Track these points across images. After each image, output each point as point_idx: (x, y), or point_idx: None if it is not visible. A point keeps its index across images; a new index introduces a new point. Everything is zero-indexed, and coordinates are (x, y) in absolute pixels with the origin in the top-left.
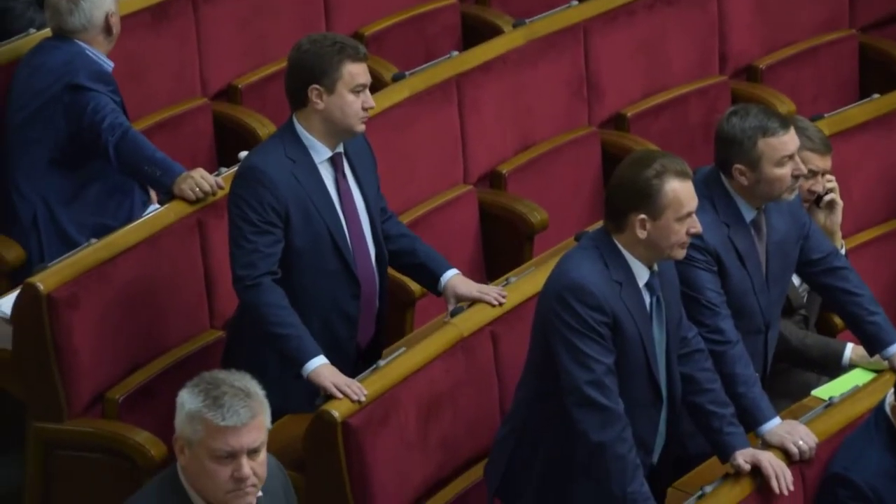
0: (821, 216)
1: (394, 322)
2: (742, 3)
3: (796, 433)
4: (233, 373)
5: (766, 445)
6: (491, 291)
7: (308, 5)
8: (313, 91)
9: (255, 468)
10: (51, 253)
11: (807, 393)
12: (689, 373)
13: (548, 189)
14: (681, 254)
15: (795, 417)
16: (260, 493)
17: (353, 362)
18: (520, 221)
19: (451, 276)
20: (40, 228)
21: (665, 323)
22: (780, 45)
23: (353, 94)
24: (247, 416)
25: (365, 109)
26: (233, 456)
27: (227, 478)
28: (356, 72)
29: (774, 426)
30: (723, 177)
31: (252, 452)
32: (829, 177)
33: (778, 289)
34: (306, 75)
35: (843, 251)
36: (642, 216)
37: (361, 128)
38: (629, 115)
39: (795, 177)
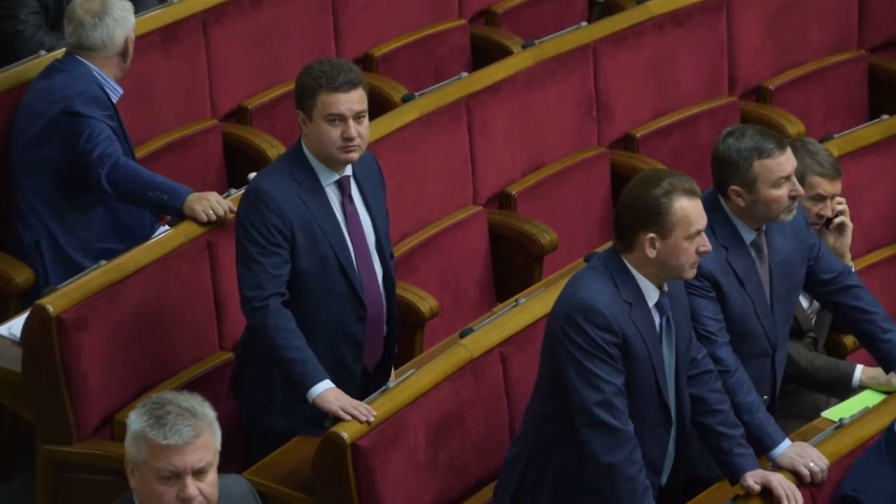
0: (830, 238)
1: (403, 343)
2: (751, 25)
3: (807, 455)
4: (183, 393)
5: (777, 468)
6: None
7: (318, 27)
8: (299, 116)
9: (203, 489)
10: (55, 276)
11: (816, 414)
12: (698, 394)
13: (557, 210)
14: (691, 273)
15: (805, 439)
16: None
17: (360, 385)
18: (529, 242)
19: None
20: (44, 253)
21: (675, 343)
22: (790, 65)
23: (327, 123)
24: (190, 434)
25: (346, 139)
26: (177, 476)
27: (173, 498)
28: (330, 101)
29: (785, 449)
30: (721, 199)
31: (198, 473)
32: (839, 199)
33: (783, 310)
34: (295, 101)
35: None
36: (651, 235)
37: (344, 157)
38: (638, 135)
39: (793, 197)
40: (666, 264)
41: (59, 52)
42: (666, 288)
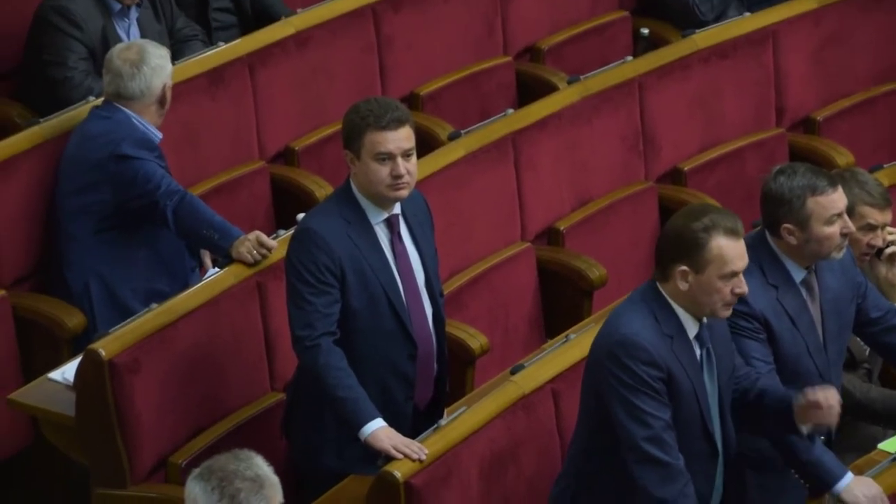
0: (882, 269)
1: (454, 380)
2: (798, 56)
3: (873, 496)
4: (239, 457)
5: None
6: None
7: (364, 66)
8: (347, 156)
9: None
10: (102, 320)
11: (873, 446)
12: (749, 398)
13: (605, 245)
14: (725, 313)
15: (861, 472)
16: None
17: (412, 423)
18: (578, 278)
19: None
20: (92, 296)
21: (716, 375)
22: (837, 96)
23: (376, 161)
24: None
25: (395, 177)
26: None
27: None
28: (378, 140)
29: (849, 483)
30: (770, 238)
31: None
32: (889, 229)
33: (836, 349)
34: (343, 141)
35: None
36: (684, 268)
37: (393, 194)
38: (686, 169)
39: (844, 235)
40: (697, 300)
41: (99, 100)
42: (705, 320)
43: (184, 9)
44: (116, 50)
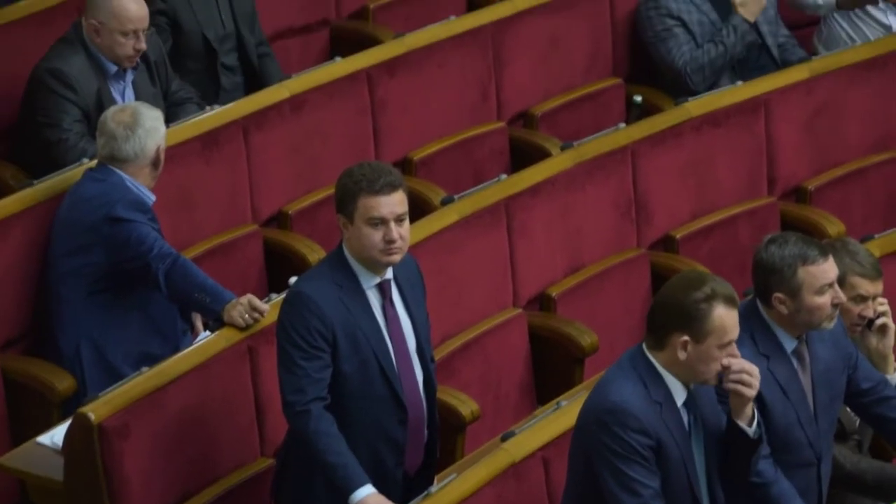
0: (873, 340)
1: (445, 446)
2: (789, 125)
3: None
4: None
5: None
6: None
7: (357, 130)
8: (340, 220)
9: None
10: (93, 383)
11: None
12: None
13: (598, 311)
14: (715, 381)
15: None
16: None
17: (402, 489)
18: (570, 344)
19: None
20: (83, 359)
21: (703, 440)
22: (829, 166)
23: (369, 226)
24: None
25: (388, 242)
26: None
27: None
28: (371, 205)
29: None
30: (761, 307)
31: None
32: (880, 300)
33: (827, 419)
34: (336, 205)
35: (895, 375)
36: (685, 338)
37: (386, 259)
38: (678, 236)
39: (835, 305)
40: (694, 369)
41: (93, 162)
42: (692, 387)
43: (193, 63)
44: (110, 112)
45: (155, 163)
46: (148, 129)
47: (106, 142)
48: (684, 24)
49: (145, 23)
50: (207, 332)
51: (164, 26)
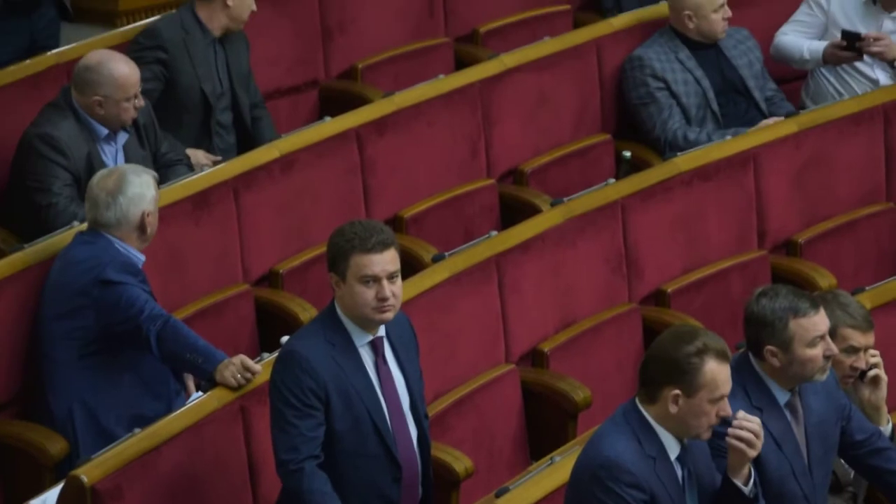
0: (865, 392)
1: (439, 503)
2: (779, 178)
3: None
4: None
5: None
6: None
7: (347, 189)
8: (332, 279)
9: None
10: (85, 446)
11: None
12: None
13: (590, 366)
14: (707, 435)
15: None
16: None
17: None
18: (563, 400)
19: None
20: (75, 422)
21: (697, 495)
22: (819, 218)
23: (362, 284)
24: None
25: (381, 300)
26: None
27: None
28: (363, 263)
29: None
30: (753, 360)
31: None
32: (872, 352)
33: (821, 472)
34: (328, 264)
35: (888, 427)
36: (676, 391)
37: (378, 317)
38: (669, 290)
39: (827, 357)
40: (685, 423)
41: (83, 225)
42: (686, 441)
43: (188, 117)
44: (97, 177)
45: (141, 228)
46: (131, 196)
47: (90, 207)
48: (668, 86)
49: (139, 80)
50: (200, 393)
51: (160, 76)
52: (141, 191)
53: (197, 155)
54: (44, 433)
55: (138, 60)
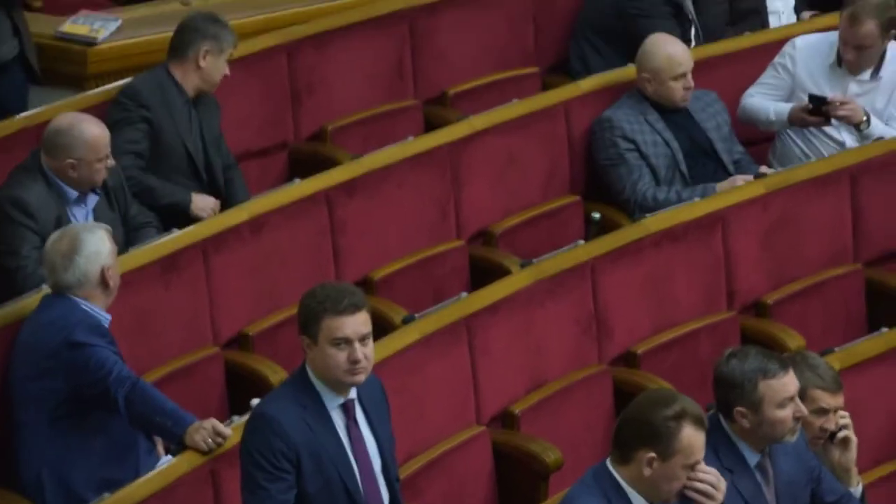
0: (835, 453)
1: None
2: (747, 240)
3: None
4: None
5: None
6: None
7: (317, 251)
8: (304, 341)
9: None
10: None
11: None
12: None
13: (561, 428)
14: (676, 500)
15: None
16: None
17: None
18: (534, 461)
19: None
20: (45, 486)
21: None
22: (787, 279)
23: (333, 347)
24: None
25: (353, 362)
26: None
27: None
28: (335, 325)
29: None
30: (723, 421)
31: None
32: (841, 413)
33: None
34: (300, 326)
35: (859, 488)
36: (652, 454)
37: (350, 379)
38: (639, 352)
39: (797, 418)
40: (657, 487)
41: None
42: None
43: (177, 176)
44: (50, 241)
45: (104, 284)
46: (87, 254)
47: (49, 272)
48: (637, 147)
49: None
50: (169, 457)
51: (149, 134)
52: (97, 248)
53: (206, 199)
54: (13, 499)
55: (126, 121)
